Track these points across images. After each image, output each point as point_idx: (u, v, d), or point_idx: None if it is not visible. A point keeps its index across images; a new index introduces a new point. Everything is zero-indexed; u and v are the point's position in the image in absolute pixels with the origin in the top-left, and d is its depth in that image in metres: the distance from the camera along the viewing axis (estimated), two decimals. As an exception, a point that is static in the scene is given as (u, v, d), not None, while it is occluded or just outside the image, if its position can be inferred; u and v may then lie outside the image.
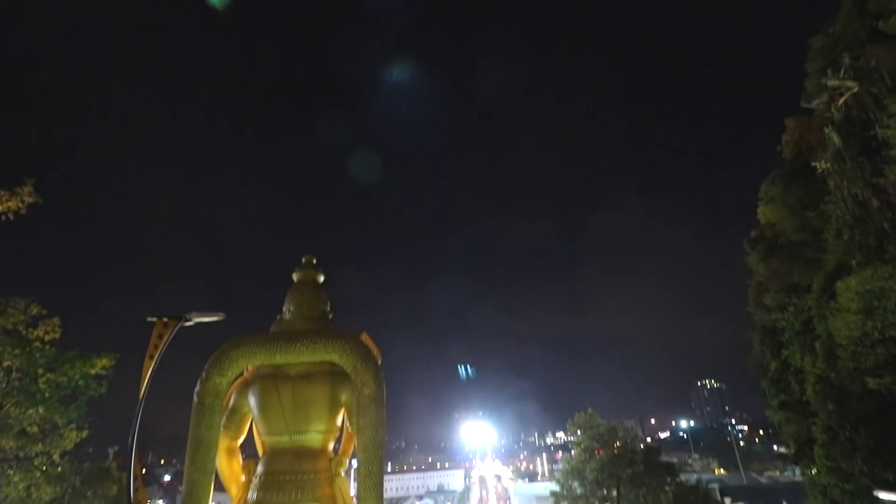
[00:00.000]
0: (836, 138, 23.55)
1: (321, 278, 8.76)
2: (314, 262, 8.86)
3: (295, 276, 8.64)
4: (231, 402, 7.76)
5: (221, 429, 7.36)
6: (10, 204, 19.22)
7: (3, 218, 19.31)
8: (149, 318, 7.63)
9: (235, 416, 7.75)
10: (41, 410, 19.01)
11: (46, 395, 19.05)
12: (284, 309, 8.35)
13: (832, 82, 23.85)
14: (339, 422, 7.92)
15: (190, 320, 7.99)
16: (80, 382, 19.87)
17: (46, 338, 20.33)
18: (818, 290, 25.00)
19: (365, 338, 7.79)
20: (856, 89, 23.04)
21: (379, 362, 7.52)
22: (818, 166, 25.45)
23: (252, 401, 7.66)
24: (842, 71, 23.65)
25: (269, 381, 7.57)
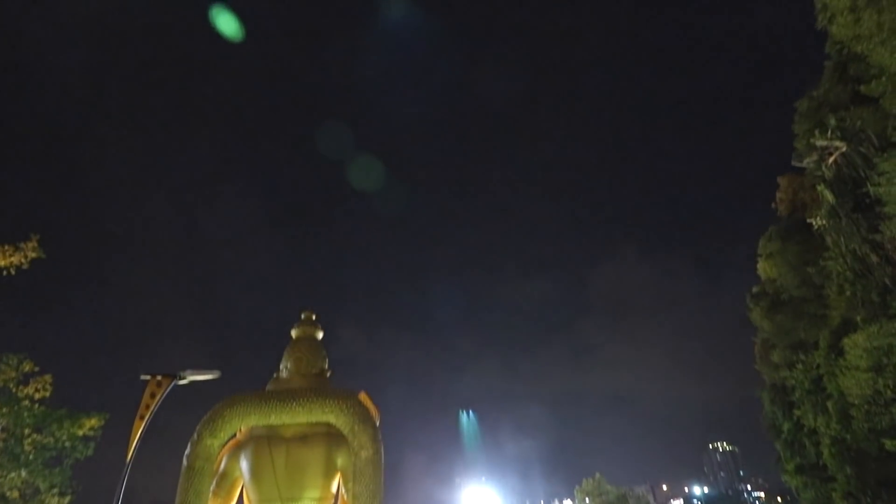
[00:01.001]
0: (829, 196, 24.01)
1: (320, 335, 8.66)
2: (313, 317, 8.79)
3: (293, 333, 8.55)
4: (222, 466, 7.43)
5: (210, 495, 7.00)
6: (13, 259, 19.36)
7: (5, 273, 19.39)
8: (142, 376, 7.47)
9: (226, 481, 7.39)
10: (24, 474, 18.19)
11: (31, 457, 18.31)
12: (282, 366, 8.19)
13: (821, 142, 24.64)
14: (334, 488, 7.54)
15: (184, 378, 7.81)
16: (67, 444, 19.15)
17: (37, 396, 19.81)
18: (825, 348, 24.59)
19: (363, 397, 7.58)
20: (844, 149, 23.76)
21: (378, 423, 7.28)
22: (814, 223, 25.79)
23: (244, 465, 7.34)
24: (829, 131, 24.50)
25: (262, 443, 7.29)
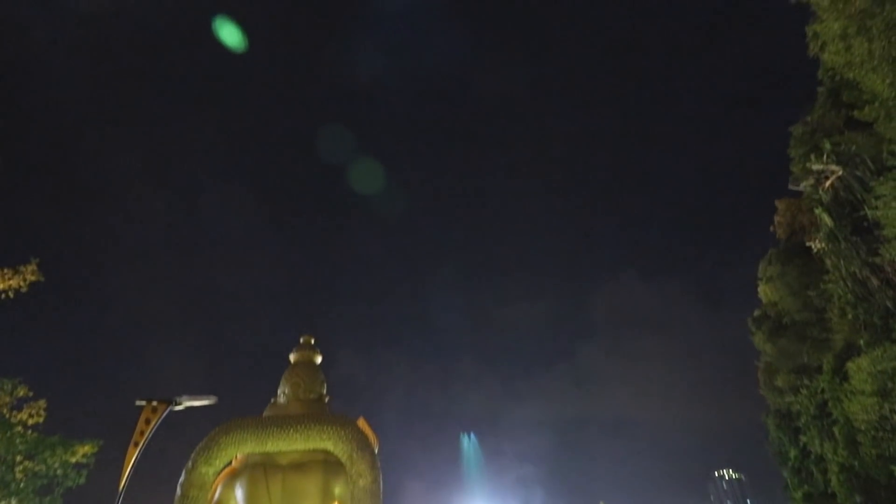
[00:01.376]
0: (827, 219, 24.11)
1: (318, 359, 8.59)
2: (312, 342, 8.73)
3: (292, 357, 8.48)
4: (216, 494, 7.27)
5: (203, 526, 6.82)
6: (11, 282, 19.32)
7: (3, 296, 19.32)
8: (137, 402, 7.36)
9: (220, 510, 7.22)
10: (14, 502, 17.76)
11: (22, 485, 17.90)
12: (279, 391, 8.10)
13: (817, 166, 24.87)
14: (330, 518, 7.36)
15: (180, 404, 7.71)
16: (59, 472, 18.75)
17: (30, 422, 19.51)
18: (829, 372, 24.33)
19: (362, 423, 7.47)
20: (840, 173, 23.97)
21: (376, 450, 7.14)
22: (813, 246, 25.83)
23: (239, 494, 7.17)
24: (824, 156, 24.76)
25: (258, 471, 7.14)
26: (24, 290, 19.63)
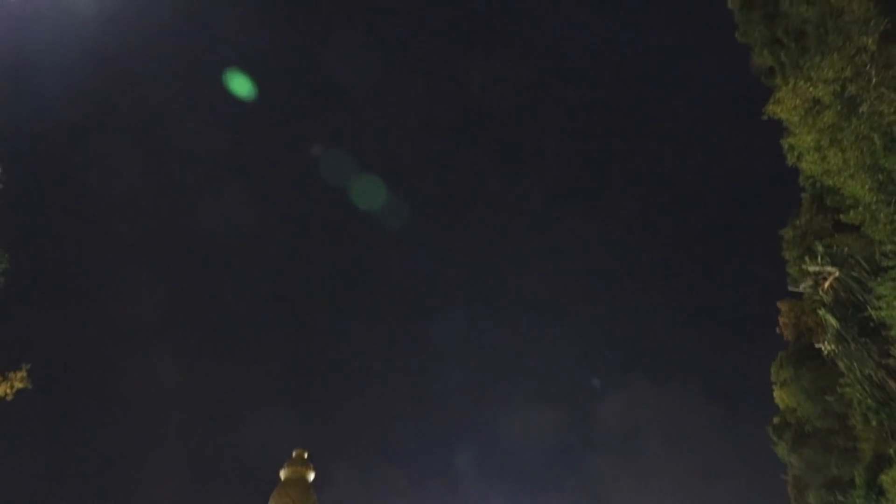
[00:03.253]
0: (832, 320, 23.87)
1: (311, 476, 8.06)
2: (305, 456, 8.26)
3: (282, 474, 7.98)
4: None
5: None
6: (-2, 390, 18.73)
7: (-13, 405, 18.61)
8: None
9: None
10: None
11: None
12: (266, 513, 7.47)
13: (812, 268, 25.20)
14: None
15: (157, 529, 7.04)
16: None
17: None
18: (863, 486, 22.57)
19: (355, 552, 6.76)
20: (837, 274, 24.21)
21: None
22: (823, 348, 25.31)
23: None
24: (819, 258, 25.20)
25: None
26: (10, 398, 18.98)
